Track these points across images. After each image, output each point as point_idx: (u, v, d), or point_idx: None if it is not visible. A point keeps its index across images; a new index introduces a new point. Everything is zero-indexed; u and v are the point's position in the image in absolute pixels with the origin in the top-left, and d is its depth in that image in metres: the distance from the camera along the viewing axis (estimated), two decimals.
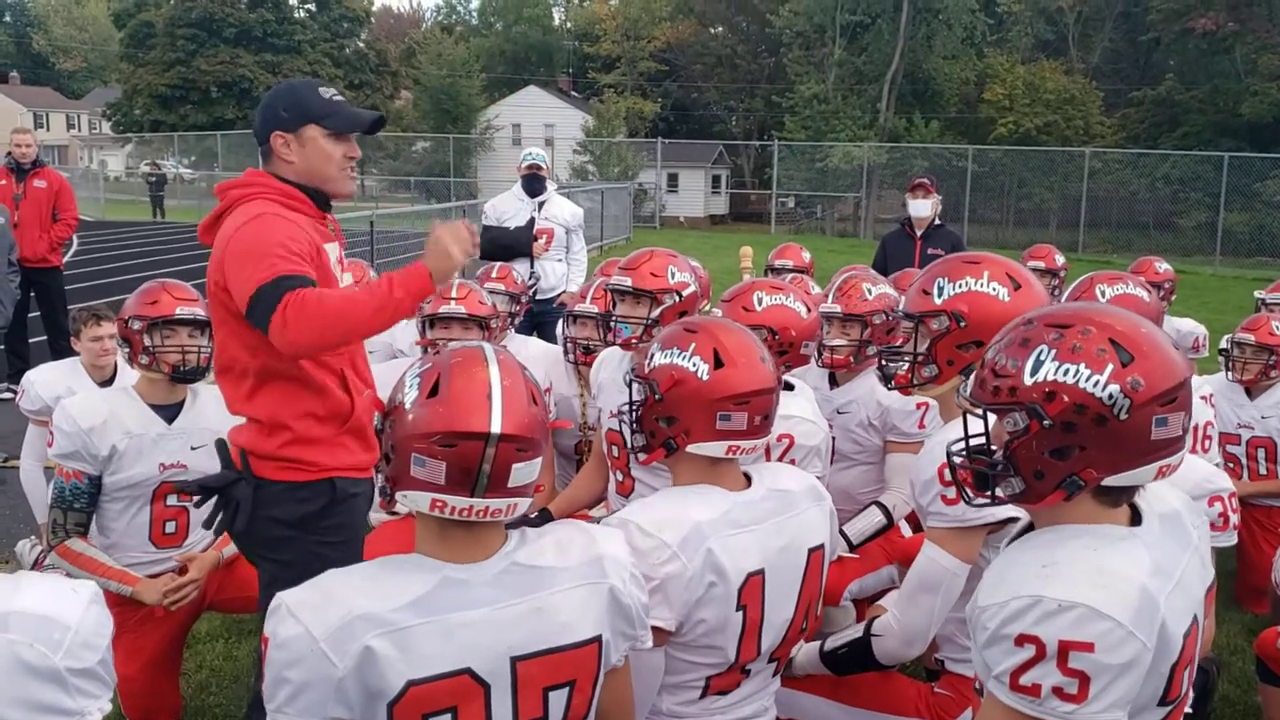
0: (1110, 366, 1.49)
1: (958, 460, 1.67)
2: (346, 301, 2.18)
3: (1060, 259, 5.63)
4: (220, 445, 2.47)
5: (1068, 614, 1.43)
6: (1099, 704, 1.43)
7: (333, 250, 2.47)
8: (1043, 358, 1.54)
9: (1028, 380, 1.54)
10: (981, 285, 2.15)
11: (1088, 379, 1.50)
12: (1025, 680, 1.45)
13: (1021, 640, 1.45)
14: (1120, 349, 1.51)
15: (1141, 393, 1.48)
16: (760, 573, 1.99)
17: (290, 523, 2.38)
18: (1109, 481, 1.52)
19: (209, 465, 3.13)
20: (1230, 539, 2.71)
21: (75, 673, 1.40)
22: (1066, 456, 1.52)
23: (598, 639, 1.72)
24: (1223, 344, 4.51)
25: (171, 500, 3.16)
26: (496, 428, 1.58)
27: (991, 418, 1.60)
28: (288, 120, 2.41)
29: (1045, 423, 1.52)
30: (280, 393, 2.38)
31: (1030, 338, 1.58)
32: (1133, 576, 1.47)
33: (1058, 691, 1.44)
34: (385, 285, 2.19)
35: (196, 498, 2.46)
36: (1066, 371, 1.51)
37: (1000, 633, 1.48)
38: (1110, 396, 1.49)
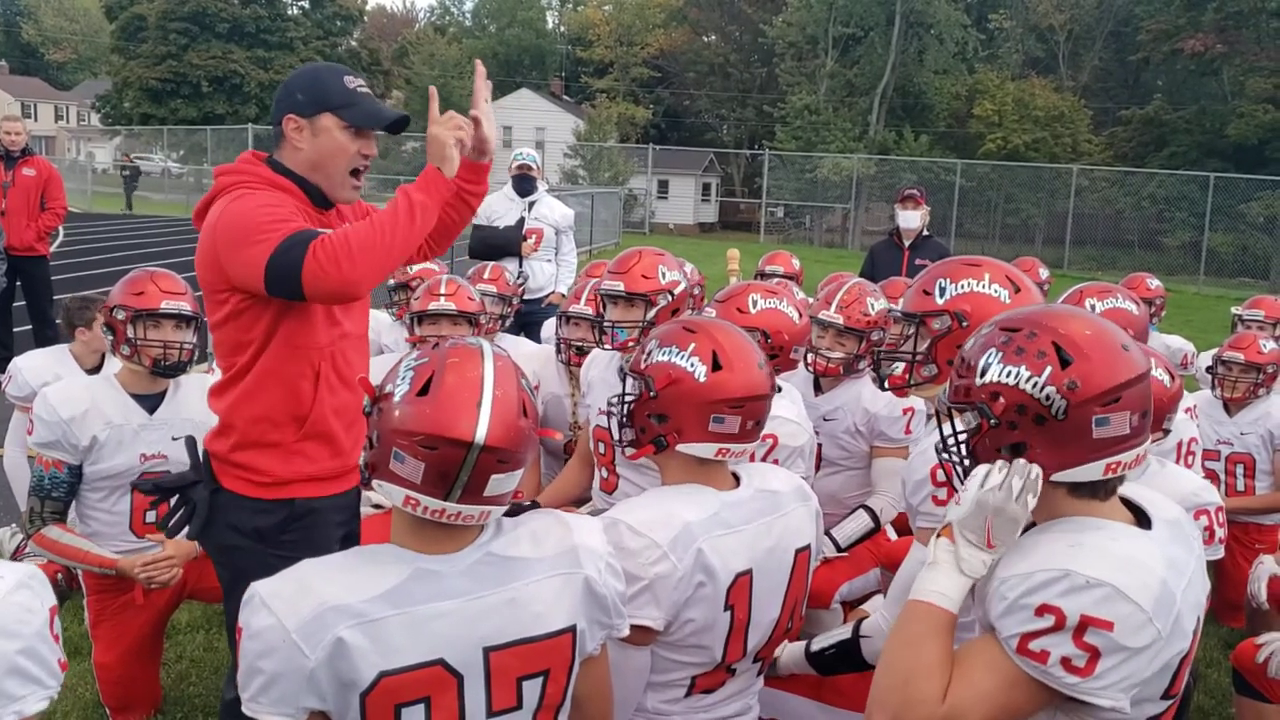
0: (1049, 369, 1.56)
1: (943, 456, 1.72)
2: (371, 226, 2.08)
3: (1045, 272, 5.69)
4: (190, 442, 2.36)
5: (1095, 590, 1.47)
6: (1103, 681, 1.47)
7: None
8: (990, 360, 1.62)
9: (978, 381, 1.62)
10: (983, 286, 2.18)
11: (1026, 380, 1.57)
12: (1035, 646, 1.49)
13: (1043, 610, 1.48)
14: (1061, 351, 1.56)
15: (1078, 393, 1.54)
16: (748, 573, 2.00)
17: (246, 533, 2.25)
18: (1057, 477, 1.57)
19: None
20: (1217, 552, 2.74)
21: None
22: (1018, 453, 1.59)
23: (571, 629, 1.72)
24: (1207, 361, 4.53)
25: None
26: (481, 438, 1.56)
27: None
28: (303, 104, 2.25)
29: (992, 421, 1.60)
30: (240, 392, 2.25)
31: (987, 341, 1.65)
32: (1154, 568, 1.52)
33: (1065, 662, 1.47)
34: (401, 196, 2.16)
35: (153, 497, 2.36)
36: (1009, 373, 1.59)
37: (1020, 601, 1.51)
38: (1048, 397, 1.55)
